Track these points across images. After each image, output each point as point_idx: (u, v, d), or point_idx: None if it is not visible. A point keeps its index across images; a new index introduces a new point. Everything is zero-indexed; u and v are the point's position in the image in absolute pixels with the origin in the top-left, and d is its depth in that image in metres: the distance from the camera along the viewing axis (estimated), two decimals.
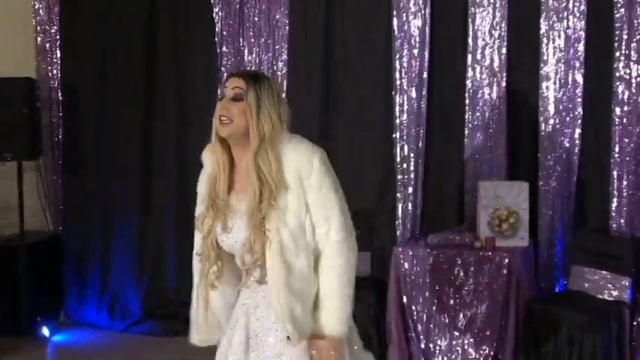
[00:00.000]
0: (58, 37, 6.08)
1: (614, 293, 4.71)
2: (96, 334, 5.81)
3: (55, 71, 6.11)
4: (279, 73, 5.60)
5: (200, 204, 2.81)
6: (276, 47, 5.61)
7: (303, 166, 2.65)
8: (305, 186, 2.64)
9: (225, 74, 2.73)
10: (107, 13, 5.97)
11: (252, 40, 5.66)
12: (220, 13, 5.70)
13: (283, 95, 2.82)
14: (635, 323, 4.87)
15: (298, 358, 2.64)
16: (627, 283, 4.67)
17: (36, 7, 6.08)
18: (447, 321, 4.81)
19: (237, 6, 5.66)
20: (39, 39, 6.11)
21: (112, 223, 6.01)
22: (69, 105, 6.08)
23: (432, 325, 4.84)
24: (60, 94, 6.11)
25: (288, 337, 2.63)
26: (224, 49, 5.71)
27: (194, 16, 5.83)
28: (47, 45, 6.10)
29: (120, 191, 5.96)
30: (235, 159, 2.74)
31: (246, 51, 5.68)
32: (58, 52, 6.09)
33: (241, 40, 5.69)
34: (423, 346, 4.86)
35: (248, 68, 5.63)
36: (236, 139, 2.69)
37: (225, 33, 5.71)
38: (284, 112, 2.72)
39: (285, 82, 5.60)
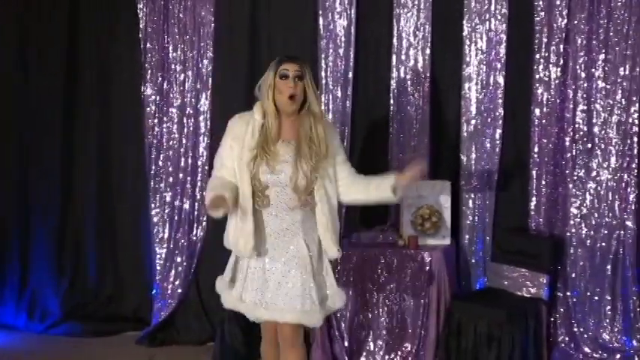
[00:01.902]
0: None
1: (532, 290, 4.82)
2: (13, 336, 5.64)
3: None
4: (204, 70, 5.56)
5: (234, 140, 3.67)
6: (202, 44, 5.57)
7: (330, 131, 3.73)
8: (331, 146, 3.67)
9: (278, 59, 3.63)
10: (27, 7, 5.81)
11: (177, 37, 5.60)
12: (145, 9, 5.62)
13: None
14: (552, 319, 5.01)
15: (319, 264, 3.70)
16: (545, 281, 4.78)
17: None
18: (370, 319, 4.84)
19: (162, 2, 5.59)
20: None
21: (30, 221, 5.85)
22: None
23: (355, 324, 4.87)
24: None
25: (338, 250, 3.70)
26: (148, 45, 5.63)
27: (118, 12, 5.73)
28: None
29: (38, 188, 5.82)
30: (281, 119, 3.63)
31: (170, 47, 5.61)
32: None
33: (166, 36, 5.62)
34: (346, 344, 4.88)
35: (172, 64, 5.61)
36: (294, 112, 3.62)
37: (149, 29, 5.63)
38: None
39: (210, 79, 5.56)
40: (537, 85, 5.06)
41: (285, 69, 3.57)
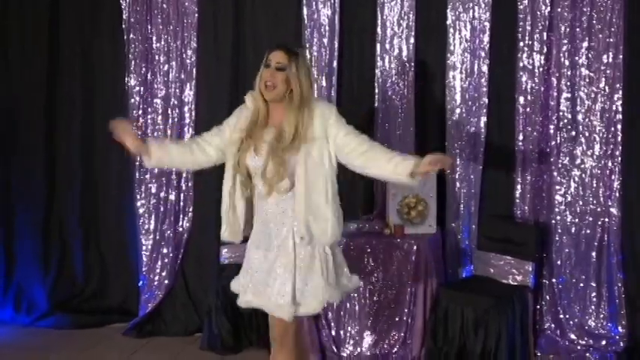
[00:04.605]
0: None
1: (518, 278, 4.85)
2: (0, 329, 5.63)
3: None
4: (188, 60, 5.54)
5: (232, 130, 3.62)
6: (185, 35, 5.55)
7: (325, 113, 3.56)
8: (328, 127, 3.53)
9: (270, 47, 3.58)
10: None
11: (161, 27, 5.57)
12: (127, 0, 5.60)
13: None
14: (538, 307, 5.04)
15: (305, 256, 3.49)
16: (530, 268, 4.81)
17: None
18: (357, 308, 4.86)
19: None
20: None
21: (16, 215, 5.84)
22: None
23: (342, 313, 4.88)
24: None
25: (302, 238, 3.47)
26: (132, 35, 5.60)
27: (100, 3, 5.69)
28: None
29: (23, 181, 5.80)
30: (270, 108, 3.59)
31: (154, 38, 5.59)
32: None
33: (149, 27, 5.59)
34: (333, 333, 4.90)
35: (155, 55, 5.58)
36: (276, 101, 3.55)
37: (132, 20, 5.60)
38: (313, 80, 3.64)
39: (194, 69, 5.55)
40: (521, 73, 5.08)
41: (269, 59, 3.55)
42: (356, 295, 4.83)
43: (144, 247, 5.67)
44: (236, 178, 3.60)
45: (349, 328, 4.88)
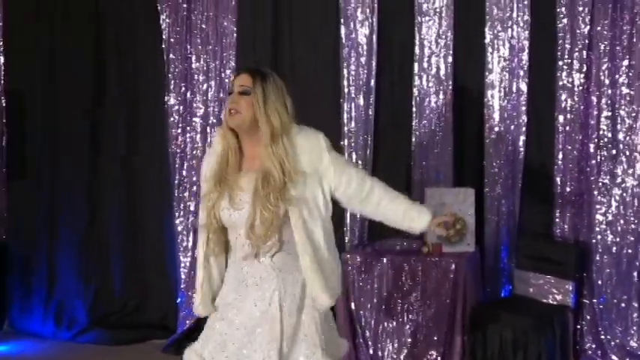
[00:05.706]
0: (1, 43, 5.99)
1: (558, 297, 4.80)
2: (41, 344, 5.71)
3: None
4: (226, 80, 5.59)
5: (204, 182, 3.07)
6: (224, 54, 5.61)
7: (313, 150, 3.00)
8: (320, 168, 2.99)
9: (234, 73, 2.98)
10: (52, 20, 5.88)
11: (200, 47, 5.65)
12: (167, 20, 5.67)
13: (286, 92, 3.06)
14: (578, 327, 4.98)
15: (292, 322, 2.95)
16: (570, 288, 4.77)
17: None
18: (394, 327, 4.84)
19: (185, 13, 5.64)
20: None
21: (58, 231, 5.93)
22: (14, 112, 5.98)
23: (380, 331, 4.87)
24: (4, 100, 6.00)
25: (330, 297, 2.96)
26: (171, 55, 5.68)
27: (141, 24, 5.80)
28: None
29: (66, 198, 5.90)
30: (243, 145, 3.02)
31: (193, 58, 5.66)
32: (2, 58, 5.99)
33: (188, 47, 5.67)
34: (371, 352, 4.88)
35: (194, 74, 5.63)
36: (244, 130, 2.97)
37: (172, 40, 5.68)
38: (289, 105, 3.01)
39: None
40: (561, 91, 5.04)
41: (232, 85, 3.03)
42: (394, 314, 4.82)
43: (182, 264, 5.71)
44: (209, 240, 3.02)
45: (387, 347, 4.87)
